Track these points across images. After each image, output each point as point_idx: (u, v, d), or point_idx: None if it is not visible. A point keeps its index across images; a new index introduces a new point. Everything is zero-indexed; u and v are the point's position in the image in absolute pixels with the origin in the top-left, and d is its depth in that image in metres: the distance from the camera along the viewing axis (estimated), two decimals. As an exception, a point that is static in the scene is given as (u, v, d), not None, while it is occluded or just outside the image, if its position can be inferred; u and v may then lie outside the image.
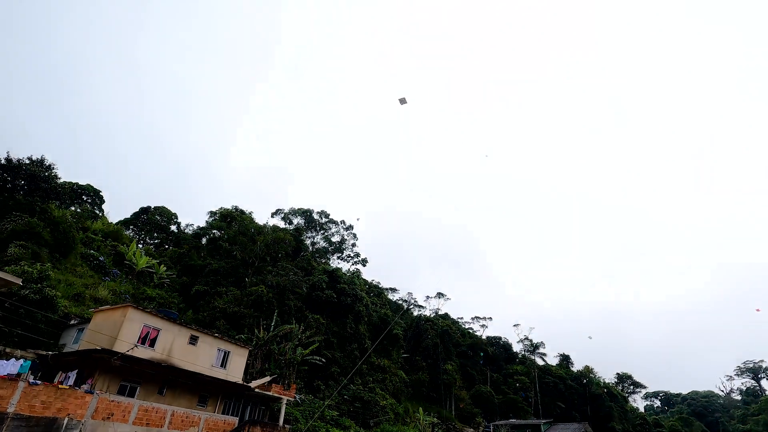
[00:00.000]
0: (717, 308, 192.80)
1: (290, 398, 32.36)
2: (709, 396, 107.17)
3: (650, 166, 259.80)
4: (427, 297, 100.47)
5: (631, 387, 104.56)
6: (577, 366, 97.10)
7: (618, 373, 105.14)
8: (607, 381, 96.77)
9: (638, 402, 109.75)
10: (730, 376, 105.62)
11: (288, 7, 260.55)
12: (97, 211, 57.94)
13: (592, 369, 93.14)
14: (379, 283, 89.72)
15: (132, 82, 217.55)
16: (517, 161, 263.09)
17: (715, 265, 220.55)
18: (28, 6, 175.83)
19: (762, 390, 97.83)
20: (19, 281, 14.22)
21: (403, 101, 27.64)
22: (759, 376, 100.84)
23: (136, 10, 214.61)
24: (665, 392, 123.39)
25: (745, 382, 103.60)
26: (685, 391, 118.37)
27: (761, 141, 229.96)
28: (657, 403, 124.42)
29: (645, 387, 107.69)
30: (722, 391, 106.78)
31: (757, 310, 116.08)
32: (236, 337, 38.02)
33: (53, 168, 42.23)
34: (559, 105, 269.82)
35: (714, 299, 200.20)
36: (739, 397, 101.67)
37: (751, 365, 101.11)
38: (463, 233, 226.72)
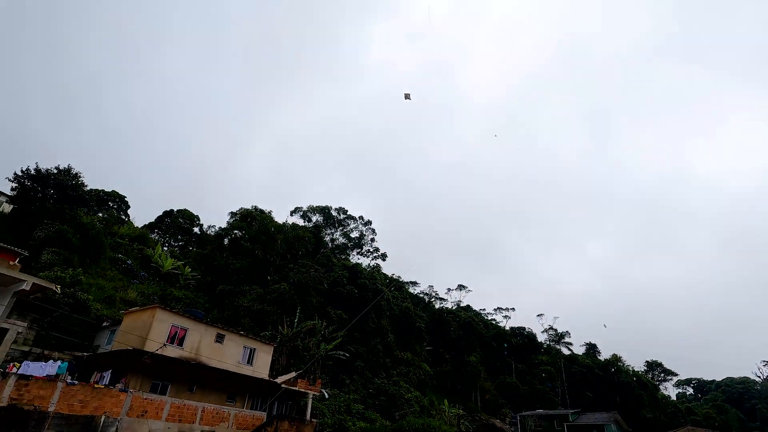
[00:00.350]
0: (745, 291, 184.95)
1: (316, 393, 32.84)
2: (745, 382, 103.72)
3: (669, 149, 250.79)
4: (449, 289, 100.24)
5: (662, 375, 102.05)
6: (604, 355, 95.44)
7: (647, 361, 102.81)
8: (636, 369, 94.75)
9: (670, 390, 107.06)
10: (767, 362, 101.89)
11: (306, 15, 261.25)
12: (123, 216, 59.75)
13: (620, 357, 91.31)
14: (399, 277, 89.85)
15: (153, 92, 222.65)
16: (533, 146, 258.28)
17: (741, 246, 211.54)
18: (54, 19, 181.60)
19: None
20: (55, 287, 14.79)
21: (407, 96, 28.06)
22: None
23: (158, 23, 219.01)
24: (698, 379, 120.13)
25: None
26: (719, 378, 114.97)
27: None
28: (690, 390, 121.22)
29: (676, 374, 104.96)
30: (759, 377, 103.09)
31: None
32: (261, 334, 38.73)
33: (80, 176, 43.66)
34: (578, 86, 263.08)
35: (742, 282, 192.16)
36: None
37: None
38: (481, 224, 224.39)
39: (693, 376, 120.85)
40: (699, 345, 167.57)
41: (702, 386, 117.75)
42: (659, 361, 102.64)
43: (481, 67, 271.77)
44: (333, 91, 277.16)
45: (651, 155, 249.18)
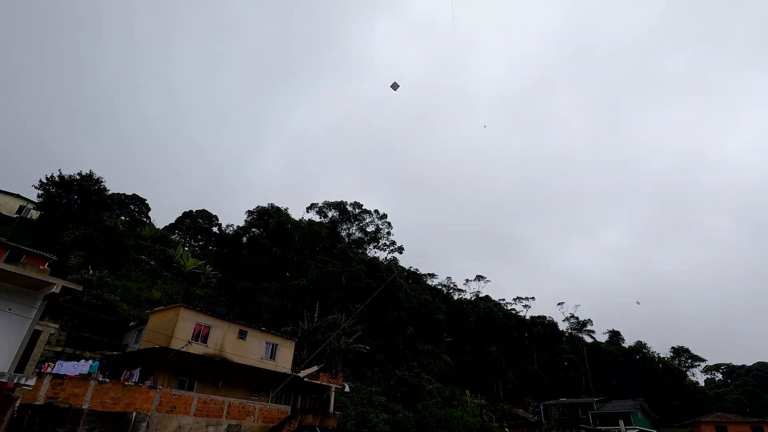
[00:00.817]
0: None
1: (338, 386, 33.26)
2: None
3: (683, 133, 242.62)
4: (467, 280, 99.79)
5: (689, 361, 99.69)
6: (628, 342, 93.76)
7: (673, 347, 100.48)
8: (662, 355, 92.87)
9: (698, 376, 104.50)
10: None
11: (310, 18, 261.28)
12: (144, 219, 61.19)
13: (645, 344, 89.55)
14: (417, 269, 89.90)
15: (166, 98, 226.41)
16: (545, 136, 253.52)
17: (756, 227, 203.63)
18: (66, 33, 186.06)
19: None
20: (79, 288, 15.30)
21: (395, 86, 27.33)
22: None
23: (168, 31, 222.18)
24: (727, 364, 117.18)
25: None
26: (749, 363, 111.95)
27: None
28: (719, 376, 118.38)
29: (704, 360, 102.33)
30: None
31: None
32: (282, 329, 39.35)
33: (101, 181, 44.89)
34: (588, 74, 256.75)
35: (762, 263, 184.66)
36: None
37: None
38: (495, 215, 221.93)
39: (722, 362, 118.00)
40: (727, 330, 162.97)
41: (731, 371, 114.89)
42: (686, 347, 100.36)
43: (489, 60, 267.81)
44: (343, 89, 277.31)
45: (665, 140, 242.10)
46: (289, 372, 30.34)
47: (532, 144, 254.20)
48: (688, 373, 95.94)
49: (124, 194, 60.77)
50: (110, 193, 49.84)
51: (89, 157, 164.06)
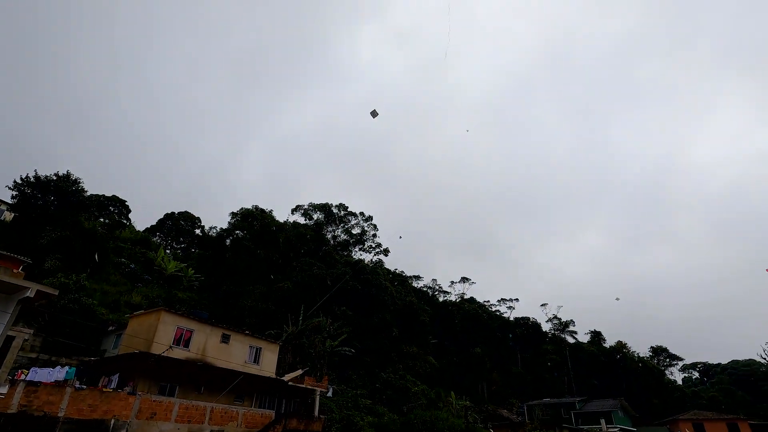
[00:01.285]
0: (742, 277, 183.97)
1: (323, 389, 33.01)
2: (750, 364, 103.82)
3: (659, 139, 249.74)
4: (452, 282, 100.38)
5: (667, 360, 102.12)
6: (609, 342, 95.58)
7: (652, 347, 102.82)
8: (641, 355, 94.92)
9: (676, 375, 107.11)
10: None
11: (293, 22, 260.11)
12: (124, 221, 59.86)
13: (625, 344, 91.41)
14: (402, 271, 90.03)
15: (149, 100, 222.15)
16: (526, 141, 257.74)
17: (736, 233, 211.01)
18: (45, 34, 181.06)
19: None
20: (55, 292, 14.85)
21: (374, 114, 27.78)
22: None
23: (152, 33, 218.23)
24: (704, 363, 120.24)
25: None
26: (724, 361, 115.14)
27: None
28: (696, 374, 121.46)
29: (682, 359, 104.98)
30: (764, 358, 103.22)
31: (767, 270, 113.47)
32: (266, 333, 38.90)
33: (79, 182, 43.74)
34: (567, 82, 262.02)
35: (737, 268, 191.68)
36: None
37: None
38: (478, 218, 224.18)
39: (699, 360, 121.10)
40: (703, 330, 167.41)
41: (708, 370, 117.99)
42: (664, 346, 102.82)
43: (470, 66, 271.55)
44: (326, 94, 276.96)
45: (639, 145, 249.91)
46: (273, 376, 30.00)
47: (514, 148, 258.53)
48: (666, 372, 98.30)
49: (103, 195, 59.36)
50: (89, 194, 48.58)
51: (67, 159, 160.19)
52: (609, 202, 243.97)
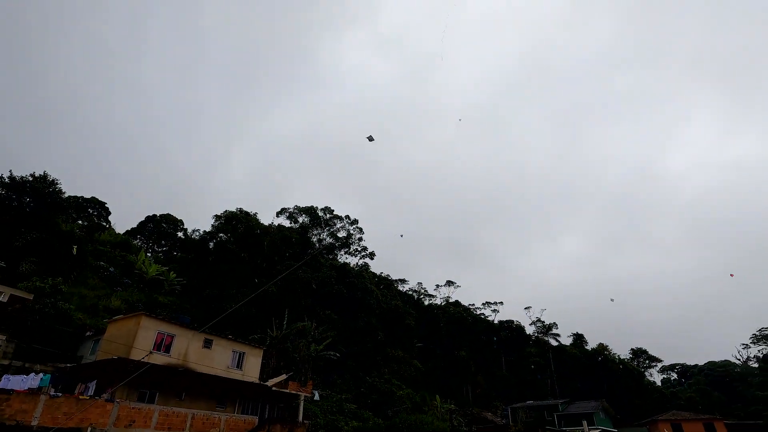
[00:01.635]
0: (714, 280, 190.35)
1: (307, 394, 32.70)
2: (726, 366, 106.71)
3: (636, 147, 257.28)
4: (437, 286, 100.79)
5: (647, 362, 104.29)
6: (591, 344, 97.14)
7: (632, 349, 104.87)
8: (622, 357, 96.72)
9: (655, 376, 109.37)
10: (746, 345, 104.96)
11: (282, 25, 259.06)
12: (104, 223, 58.43)
13: (606, 346, 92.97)
14: (388, 275, 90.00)
15: (134, 103, 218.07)
16: (507, 148, 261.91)
17: (709, 238, 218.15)
18: (33, 31, 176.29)
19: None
20: (30, 296, 14.40)
21: (370, 139, 28.46)
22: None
23: (138, 36, 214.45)
24: (682, 364, 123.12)
25: (762, 349, 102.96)
26: (701, 362, 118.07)
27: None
28: (674, 376, 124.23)
29: (661, 360, 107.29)
30: (739, 359, 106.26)
31: (731, 275, 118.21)
32: (249, 337, 38.40)
33: (57, 183, 42.58)
34: (546, 92, 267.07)
35: (710, 271, 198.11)
36: (756, 365, 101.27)
37: (767, 332, 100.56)
38: (462, 222, 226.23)
39: (677, 362, 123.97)
40: (680, 331, 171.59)
41: (686, 371, 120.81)
42: (644, 348, 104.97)
43: (454, 74, 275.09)
44: (313, 97, 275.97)
45: (617, 153, 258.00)
46: (257, 381, 29.61)
47: (496, 154, 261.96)
48: (646, 373, 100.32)
49: (82, 197, 57.86)
50: (67, 195, 47.33)
51: (45, 160, 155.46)
52: (589, 206, 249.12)
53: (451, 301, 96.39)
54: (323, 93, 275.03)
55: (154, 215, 66.42)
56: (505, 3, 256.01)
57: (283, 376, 32.50)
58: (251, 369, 30.08)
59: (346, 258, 77.30)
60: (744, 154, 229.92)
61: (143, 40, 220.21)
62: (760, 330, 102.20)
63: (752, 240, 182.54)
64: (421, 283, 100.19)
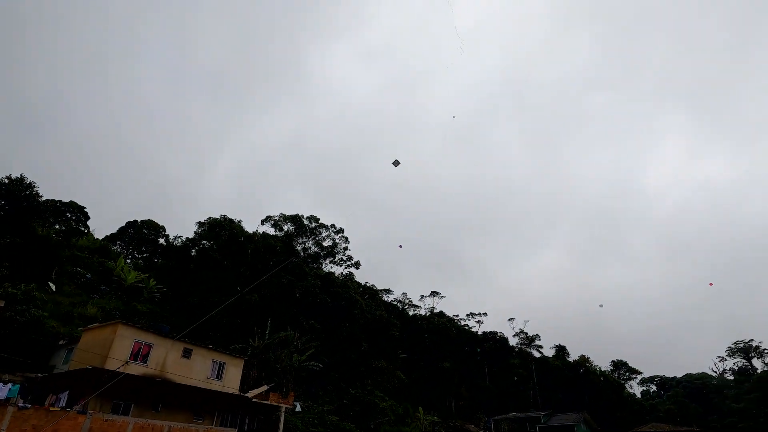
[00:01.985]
0: (689, 294, 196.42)
1: (289, 406, 32.11)
2: (703, 378, 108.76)
3: (614, 165, 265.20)
4: (422, 296, 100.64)
5: (627, 374, 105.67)
6: (573, 355, 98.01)
7: (613, 361, 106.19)
8: (603, 369, 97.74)
9: (635, 388, 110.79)
10: (723, 357, 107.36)
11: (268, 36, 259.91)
12: (82, 228, 56.91)
13: (588, 358, 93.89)
14: (373, 285, 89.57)
15: (119, 109, 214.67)
16: (488, 163, 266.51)
17: (683, 253, 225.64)
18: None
19: (753, 369, 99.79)
20: (0, 303, 13.88)
21: (396, 163, 28.47)
22: (750, 355, 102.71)
23: (127, 38, 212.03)
24: (661, 377, 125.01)
25: (737, 361, 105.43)
26: (679, 375, 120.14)
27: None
28: (653, 388, 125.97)
29: (640, 372, 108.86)
30: (715, 372, 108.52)
31: (710, 284, 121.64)
32: (231, 347, 37.63)
33: (34, 186, 41.49)
34: (527, 110, 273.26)
35: (685, 286, 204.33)
36: (732, 377, 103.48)
37: (741, 345, 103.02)
38: (445, 235, 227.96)
39: (656, 374, 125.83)
40: (658, 344, 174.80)
41: (664, 383, 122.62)
42: (624, 360, 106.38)
43: (437, 90, 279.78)
44: (298, 109, 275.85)
45: (598, 169, 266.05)
46: (237, 392, 28.97)
47: (479, 168, 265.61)
48: (626, 385, 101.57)
49: (60, 201, 56.29)
50: (44, 199, 46.08)
51: (25, 162, 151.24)
52: (569, 221, 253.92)
53: (435, 311, 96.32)
54: (311, 102, 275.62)
55: (135, 221, 65.05)
56: (489, 22, 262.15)
57: (264, 387, 31.89)
58: (231, 380, 29.44)
59: (332, 267, 76.80)
60: (712, 176, 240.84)
61: (133, 46, 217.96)
62: (735, 343, 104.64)
63: (724, 257, 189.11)
64: (405, 293, 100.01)
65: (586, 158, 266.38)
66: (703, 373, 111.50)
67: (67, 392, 21.11)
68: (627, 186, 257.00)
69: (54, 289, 34.81)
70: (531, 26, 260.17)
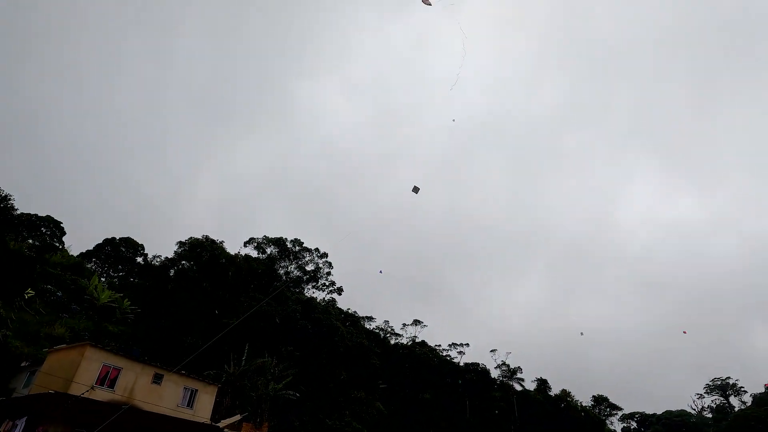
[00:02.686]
0: (662, 330, 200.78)
1: (262, 437, 30.81)
2: (682, 415, 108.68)
3: (590, 201, 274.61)
4: (404, 324, 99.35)
5: (608, 409, 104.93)
6: (554, 389, 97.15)
7: (594, 396, 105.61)
8: (584, 404, 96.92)
9: (616, 424, 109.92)
10: (701, 395, 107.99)
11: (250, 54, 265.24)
12: (57, 243, 55.17)
13: (569, 392, 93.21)
14: (355, 312, 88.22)
15: (99, 128, 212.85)
16: (469, 196, 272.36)
17: (655, 289, 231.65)
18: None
19: (731, 407, 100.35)
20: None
21: (416, 190, 27.55)
22: (727, 393, 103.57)
23: (109, 55, 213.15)
24: (641, 413, 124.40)
25: (715, 399, 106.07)
26: (659, 411, 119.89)
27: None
28: (634, 424, 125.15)
29: (621, 409, 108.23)
30: (694, 409, 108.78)
31: (684, 332, 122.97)
32: (204, 373, 36.23)
33: (10, 199, 40.43)
34: (506, 145, 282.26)
35: (658, 322, 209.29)
36: (710, 415, 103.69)
37: (719, 382, 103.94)
38: (426, 265, 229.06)
39: (636, 410, 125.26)
40: (637, 378, 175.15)
41: (645, 420, 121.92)
42: (605, 395, 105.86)
43: (421, 121, 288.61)
44: (283, 135, 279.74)
45: (573, 205, 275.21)
46: (208, 422, 27.72)
47: (458, 201, 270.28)
48: (607, 421, 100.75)
49: (36, 215, 54.68)
50: (19, 212, 44.75)
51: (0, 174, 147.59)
52: (546, 255, 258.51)
53: (417, 341, 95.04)
54: (295, 132, 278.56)
55: (113, 238, 63.48)
56: (471, 60, 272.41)
57: (237, 417, 30.63)
58: (203, 408, 28.21)
59: (314, 292, 75.52)
60: (681, 217, 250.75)
61: (115, 63, 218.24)
62: (713, 380, 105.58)
63: (695, 294, 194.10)
64: (387, 321, 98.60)
65: (563, 194, 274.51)
66: (682, 410, 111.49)
67: (25, 418, 19.93)
68: (601, 222, 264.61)
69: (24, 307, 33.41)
70: (514, 67, 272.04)
